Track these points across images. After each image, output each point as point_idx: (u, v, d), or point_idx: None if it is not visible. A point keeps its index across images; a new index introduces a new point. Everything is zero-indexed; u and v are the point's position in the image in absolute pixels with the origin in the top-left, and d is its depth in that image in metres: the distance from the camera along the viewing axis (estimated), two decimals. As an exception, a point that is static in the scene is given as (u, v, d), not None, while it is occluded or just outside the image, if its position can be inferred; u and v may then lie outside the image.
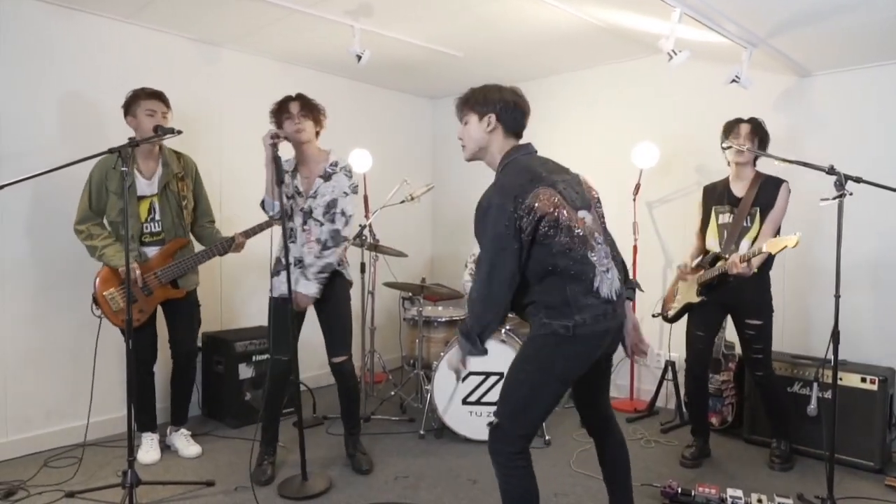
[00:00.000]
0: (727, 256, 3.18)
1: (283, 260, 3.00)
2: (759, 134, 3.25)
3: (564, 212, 2.07)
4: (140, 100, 3.19)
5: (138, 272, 3.15)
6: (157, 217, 3.30)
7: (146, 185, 3.27)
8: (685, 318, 3.49)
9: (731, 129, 3.27)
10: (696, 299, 3.33)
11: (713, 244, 3.37)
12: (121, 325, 3.17)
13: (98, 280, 3.15)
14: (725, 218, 3.35)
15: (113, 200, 3.19)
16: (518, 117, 2.25)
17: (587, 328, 2.04)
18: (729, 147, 3.16)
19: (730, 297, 3.28)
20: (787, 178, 3.24)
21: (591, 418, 2.38)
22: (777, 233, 3.24)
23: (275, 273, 3.14)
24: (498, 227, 2.04)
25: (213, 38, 4.13)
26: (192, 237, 3.49)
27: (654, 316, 3.74)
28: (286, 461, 3.34)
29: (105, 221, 3.26)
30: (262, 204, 3.08)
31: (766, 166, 3.28)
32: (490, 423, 2.13)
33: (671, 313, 3.53)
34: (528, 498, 2.12)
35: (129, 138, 2.74)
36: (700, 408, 3.50)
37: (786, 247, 2.92)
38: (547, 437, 3.65)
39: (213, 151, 4.18)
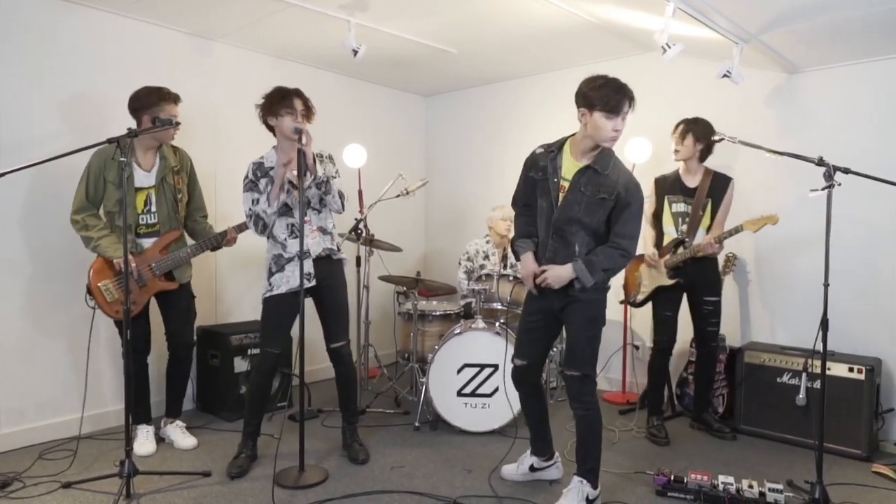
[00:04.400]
0: (686, 240, 3.57)
1: (286, 254, 3.10)
2: (697, 133, 3.58)
3: None
4: (164, 104, 3.19)
5: (133, 264, 3.15)
6: (153, 209, 3.31)
7: (144, 177, 3.28)
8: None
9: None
10: (668, 282, 3.61)
11: (671, 231, 3.68)
12: (115, 316, 3.19)
13: (92, 271, 3.16)
14: (679, 207, 3.66)
15: (111, 190, 3.19)
16: None
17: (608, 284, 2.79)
18: (721, 139, 3.20)
19: (689, 278, 3.60)
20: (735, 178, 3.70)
21: (531, 374, 2.97)
22: None
23: (278, 270, 3.13)
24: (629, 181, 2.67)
25: (207, 32, 4.14)
26: (184, 231, 3.50)
27: (620, 303, 4.03)
28: (282, 452, 3.34)
29: (101, 212, 3.26)
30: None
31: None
32: (576, 377, 2.67)
33: (640, 298, 3.80)
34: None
35: (128, 129, 2.75)
36: (662, 387, 3.79)
37: (765, 224, 3.31)
38: (541, 429, 3.68)
39: (208, 145, 4.19)
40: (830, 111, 3.80)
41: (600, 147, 2.61)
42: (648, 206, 3.71)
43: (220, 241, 3.40)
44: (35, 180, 3.43)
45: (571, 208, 2.63)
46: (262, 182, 3.09)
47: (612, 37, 4.14)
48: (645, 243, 3.72)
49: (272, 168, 3.10)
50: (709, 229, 3.62)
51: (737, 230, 3.42)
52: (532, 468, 3.05)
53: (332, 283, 3.23)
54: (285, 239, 3.14)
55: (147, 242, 3.30)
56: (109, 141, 2.68)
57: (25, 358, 3.45)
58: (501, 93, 5.42)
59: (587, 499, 2.66)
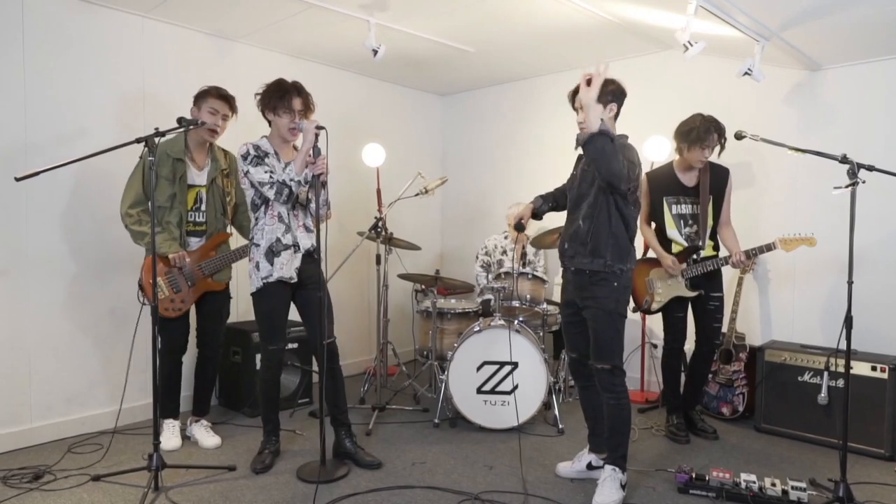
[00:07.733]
0: (701, 246, 3.50)
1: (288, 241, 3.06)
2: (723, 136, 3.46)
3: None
4: (208, 97, 3.28)
5: (188, 260, 3.23)
6: (203, 208, 3.37)
7: (197, 175, 3.35)
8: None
9: (703, 137, 3.39)
10: (689, 293, 3.54)
11: (674, 235, 3.57)
12: (164, 314, 3.23)
13: (144, 268, 3.22)
14: (682, 209, 3.56)
15: (163, 185, 3.24)
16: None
17: (631, 273, 2.82)
18: (744, 137, 3.13)
19: (699, 279, 3.54)
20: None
21: (584, 365, 2.97)
22: None
23: (276, 254, 3.04)
24: (632, 158, 2.72)
25: (228, 33, 4.19)
26: (233, 230, 3.59)
27: (633, 311, 3.75)
28: (304, 448, 3.40)
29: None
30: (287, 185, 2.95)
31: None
32: (605, 369, 2.76)
33: (655, 307, 3.66)
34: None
35: (155, 128, 2.79)
36: (678, 385, 3.73)
37: (801, 245, 3.27)
38: (561, 426, 3.70)
39: (228, 146, 4.22)
40: (852, 108, 3.77)
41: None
42: (643, 205, 3.61)
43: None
44: (63, 181, 3.48)
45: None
46: (268, 160, 3.04)
47: (628, 35, 4.14)
48: (655, 250, 3.61)
49: (267, 154, 3.05)
50: (712, 229, 3.53)
51: (768, 248, 3.35)
52: (590, 466, 3.02)
53: (318, 281, 3.10)
54: (290, 222, 3.06)
55: (194, 242, 3.35)
56: (137, 140, 2.72)
57: (55, 354, 3.52)
58: (518, 92, 5.43)
59: (621, 484, 2.75)
